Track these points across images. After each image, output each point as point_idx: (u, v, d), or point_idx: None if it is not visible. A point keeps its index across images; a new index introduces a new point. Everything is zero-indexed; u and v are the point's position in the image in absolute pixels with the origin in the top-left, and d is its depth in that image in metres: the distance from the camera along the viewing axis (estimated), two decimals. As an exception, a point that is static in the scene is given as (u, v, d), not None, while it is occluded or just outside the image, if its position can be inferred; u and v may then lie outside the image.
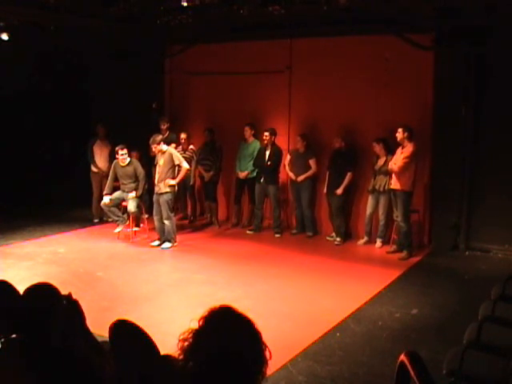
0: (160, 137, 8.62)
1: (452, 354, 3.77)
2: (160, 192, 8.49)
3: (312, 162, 9.19)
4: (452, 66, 8.25)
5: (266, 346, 1.75)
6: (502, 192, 8.14)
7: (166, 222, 8.52)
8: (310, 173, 9.20)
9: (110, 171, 9.05)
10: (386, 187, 8.47)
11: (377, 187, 8.60)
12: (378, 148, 8.52)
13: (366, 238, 8.92)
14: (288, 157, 9.44)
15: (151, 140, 8.51)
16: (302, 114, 9.70)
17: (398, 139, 8.13)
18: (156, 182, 8.58)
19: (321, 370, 4.73)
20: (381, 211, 8.67)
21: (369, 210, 8.81)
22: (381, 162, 8.55)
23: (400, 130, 8.09)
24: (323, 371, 4.72)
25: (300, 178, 9.24)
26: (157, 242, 8.70)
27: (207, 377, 1.67)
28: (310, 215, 9.39)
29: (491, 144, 8.21)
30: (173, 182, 8.52)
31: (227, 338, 1.70)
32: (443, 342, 5.11)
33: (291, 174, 9.34)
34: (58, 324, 2.63)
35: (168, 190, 8.48)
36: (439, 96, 8.46)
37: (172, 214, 8.63)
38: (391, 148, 8.44)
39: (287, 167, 9.43)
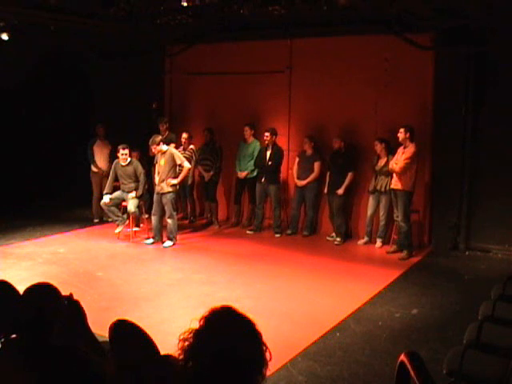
0: (159, 137, 8.64)
1: (452, 353, 3.77)
2: (162, 192, 8.52)
3: (316, 165, 9.17)
4: (452, 66, 8.25)
5: (266, 347, 1.75)
6: (501, 192, 8.14)
7: (169, 220, 8.57)
8: (311, 177, 9.19)
9: (111, 171, 9.05)
10: (388, 187, 8.47)
11: (378, 187, 8.60)
12: (379, 148, 8.50)
13: (366, 239, 8.92)
14: (297, 159, 9.42)
15: (151, 141, 8.54)
16: (302, 114, 9.70)
17: (400, 139, 8.12)
18: (157, 181, 8.60)
19: (321, 370, 4.73)
20: (382, 211, 8.66)
21: (370, 211, 8.80)
22: (381, 162, 8.54)
23: (402, 130, 8.08)
24: (323, 371, 4.72)
25: (301, 183, 9.25)
26: (151, 240, 8.76)
27: (207, 377, 1.67)
28: (312, 216, 9.39)
29: (491, 144, 8.21)
30: (175, 182, 8.55)
31: (228, 339, 1.69)
32: (443, 342, 5.12)
33: (296, 180, 9.33)
34: (58, 324, 2.63)
35: (170, 189, 8.51)
36: (439, 96, 8.46)
37: (175, 213, 8.69)
38: (392, 149, 8.44)
39: (294, 172, 9.41)
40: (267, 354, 1.74)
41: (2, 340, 2.61)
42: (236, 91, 10.23)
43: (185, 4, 7.20)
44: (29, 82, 10.76)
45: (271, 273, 7.44)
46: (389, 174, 8.40)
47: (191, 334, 1.73)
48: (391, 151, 8.44)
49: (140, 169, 8.98)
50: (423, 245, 8.76)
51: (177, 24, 8.19)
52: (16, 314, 2.66)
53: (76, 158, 10.74)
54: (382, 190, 8.55)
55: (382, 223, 8.70)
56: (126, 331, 3.00)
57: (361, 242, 8.94)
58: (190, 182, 9.98)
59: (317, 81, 9.44)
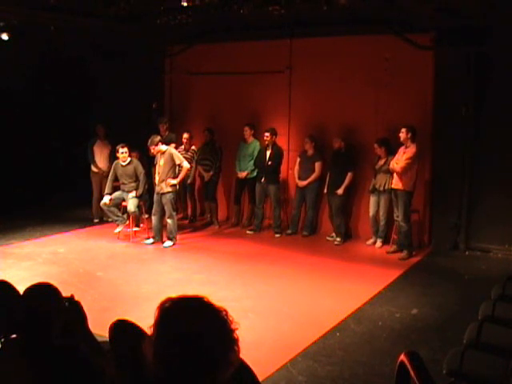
0: (158, 138, 8.63)
1: (452, 354, 3.77)
2: (162, 192, 8.53)
3: (317, 165, 9.16)
4: (452, 66, 8.26)
5: (232, 329, 1.59)
6: (501, 192, 8.14)
7: (169, 220, 8.58)
8: (312, 177, 9.18)
9: (111, 171, 9.05)
10: (387, 186, 8.47)
11: (377, 186, 8.60)
12: (379, 150, 8.50)
13: (374, 238, 8.87)
14: (298, 159, 9.42)
15: (149, 141, 8.53)
16: (301, 114, 9.70)
17: (402, 139, 8.11)
18: (157, 182, 8.61)
19: (321, 370, 4.73)
20: (381, 211, 8.65)
21: (372, 211, 8.77)
22: (381, 161, 8.55)
23: (404, 130, 8.07)
24: (323, 371, 4.72)
25: (302, 184, 9.24)
26: (151, 240, 8.76)
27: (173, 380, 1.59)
28: (312, 216, 9.39)
29: (491, 144, 8.21)
30: (174, 182, 8.55)
31: (188, 341, 1.54)
32: (443, 342, 5.12)
33: (297, 181, 9.32)
34: (58, 324, 2.63)
35: (170, 189, 8.51)
36: (439, 96, 8.46)
37: (174, 213, 8.70)
38: (392, 149, 8.45)
39: (295, 172, 9.41)
40: (234, 335, 1.59)
41: (2, 340, 2.61)
42: (236, 91, 10.23)
43: (185, 4, 7.20)
44: (29, 82, 10.77)
45: (271, 273, 7.44)
46: (388, 172, 8.40)
47: (149, 344, 1.59)
48: (392, 152, 8.44)
49: (140, 169, 8.98)
50: (423, 245, 8.75)
51: (177, 24, 8.19)
52: (16, 314, 2.66)
53: (76, 158, 10.74)
54: (381, 188, 8.55)
55: (381, 223, 8.69)
56: (126, 331, 3.00)
57: (369, 241, 8.88)
58: (189, 181, 9.96)
59: (317, 81, 9.44)
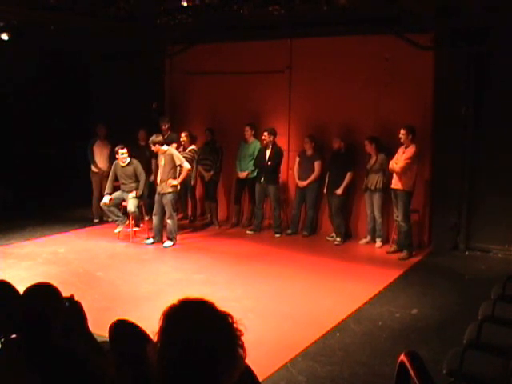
0: (159, 137, 8.64)
1: (452, 354, 3.77)
2: (163, 192, 8.53)
3: (317, 165, 9.15)
4: (452, 66, 8.26)
5: (240, 340, 1.57)
6: (502, 192, 8.14)
7: (169, 221, 8.59)
8: (312, 177, 9.18)
9: (111, 171, 9.06)
10: (378, 185, 8.48)
11: (369, 185, 8.62)
12: (370, 147, 8.53)
13: (368, 238, 8.90)
14: (297, 159, 9.42)
15: (150, 140, 8.55)
16: (301, 114, 9.70)
17: (402, 140, 8.12)
18: (158, 182, 8.62)
19: (321, 370, 4.73)
20: (376, 211, 8.66)
21: (368, 209, 8.81)
22: (372, 160, 8.56)
23: (403, 130, 8.08)
24: (323, 371, 4.72)
25: (302, 184, 9.24)
26: (151, 240, 8.77)
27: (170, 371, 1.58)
28: (312, 216, 9.38)
29: (491, 144, 8.21)
30: (175, 182, 8.56)
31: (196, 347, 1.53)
32: (443, 341, 5.12)
33: (297, 181, 9.32)
34: (58, 324, 2.63)
35: (170, 190, 8.52)
36: (439, 96, 8.46)
37: (174, 214, 8.71)
38: (384, 147, 8.46)
39: (295, 172, 9.41)
40: (240, 350, 1.58)
41: (2, 340, 2.61)
42: (236, 91, 10.23)
43: (185, 4, 7.21)
44: (29, 82, 10.76)
45: (271, 273, 7.44)
46: (379, 171, 8.44)
47: (152, 350, 1.57)
48: (384, 149, 8.45)
49: (140, 169, 8.98)
50: (423, 245, 8.75)
51: (177, 24, 8.19)
52: (16, 313, 2.66)
53: (76, 158, 10.74)
54: (373, 188, 8.56)
55: (377, 222, 8.69)
56: (126, 331, 3.01)
57: (362, 241, 8.93)
58: (192, 182, 9.95)
59: (317, 81, 9.44)
